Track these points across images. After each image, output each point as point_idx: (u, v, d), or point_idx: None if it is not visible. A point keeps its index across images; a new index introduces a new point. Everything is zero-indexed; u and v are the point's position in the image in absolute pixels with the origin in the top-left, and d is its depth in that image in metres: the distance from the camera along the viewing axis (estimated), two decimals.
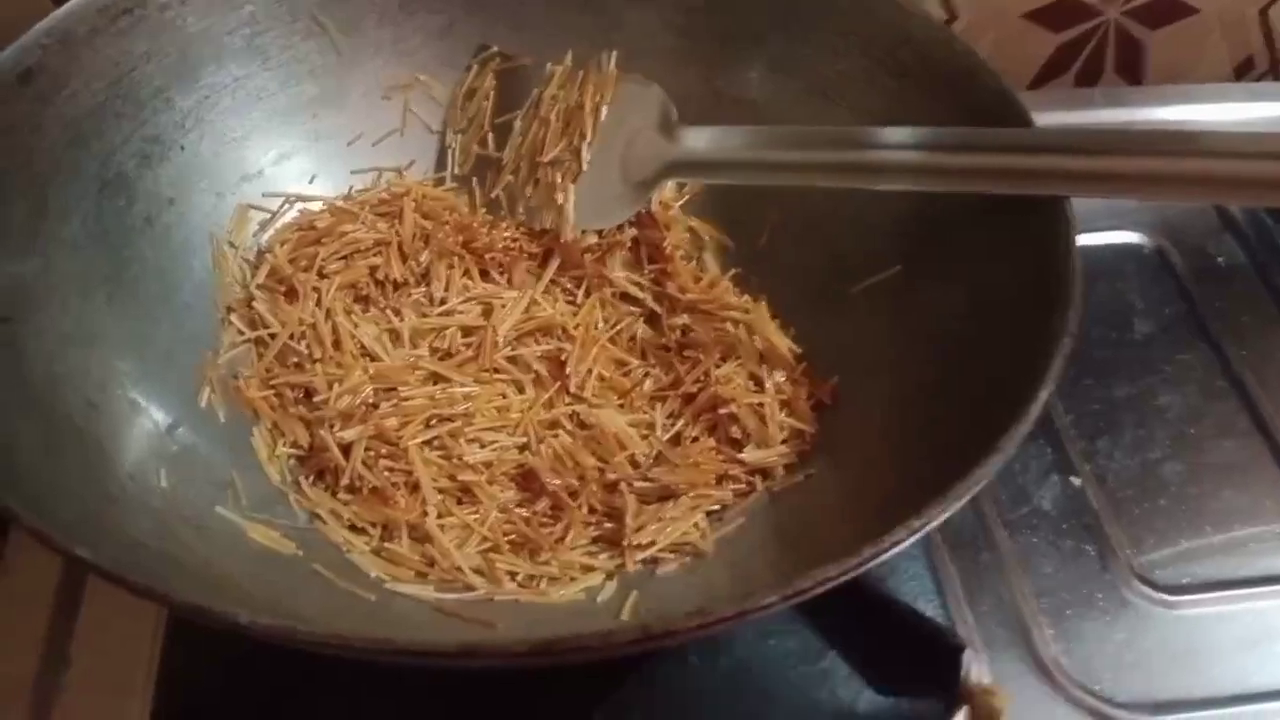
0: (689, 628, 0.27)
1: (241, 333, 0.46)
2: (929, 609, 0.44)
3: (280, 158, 0.49)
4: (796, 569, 0.35)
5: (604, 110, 0.49)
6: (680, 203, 0.52)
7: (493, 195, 0.51)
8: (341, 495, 0.42)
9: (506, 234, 0.50)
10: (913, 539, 0.30)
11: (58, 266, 0.40)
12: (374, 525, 0.41)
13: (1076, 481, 0.50)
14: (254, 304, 0.46)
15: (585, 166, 0.49)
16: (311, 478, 0.43)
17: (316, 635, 0.27)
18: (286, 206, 0.49)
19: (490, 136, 0.52)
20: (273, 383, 0.45)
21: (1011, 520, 0.49)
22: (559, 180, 0.49)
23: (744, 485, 0.43)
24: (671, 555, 0.41)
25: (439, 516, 0.41)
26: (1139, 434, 0.52)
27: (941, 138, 0.42)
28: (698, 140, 0.47)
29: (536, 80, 0.52)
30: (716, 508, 0.43)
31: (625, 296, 0.50)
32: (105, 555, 0.29)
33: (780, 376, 0.45)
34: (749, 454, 0.43)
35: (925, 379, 0.41)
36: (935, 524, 0.31)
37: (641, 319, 0.49)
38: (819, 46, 0.50)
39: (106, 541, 0.32)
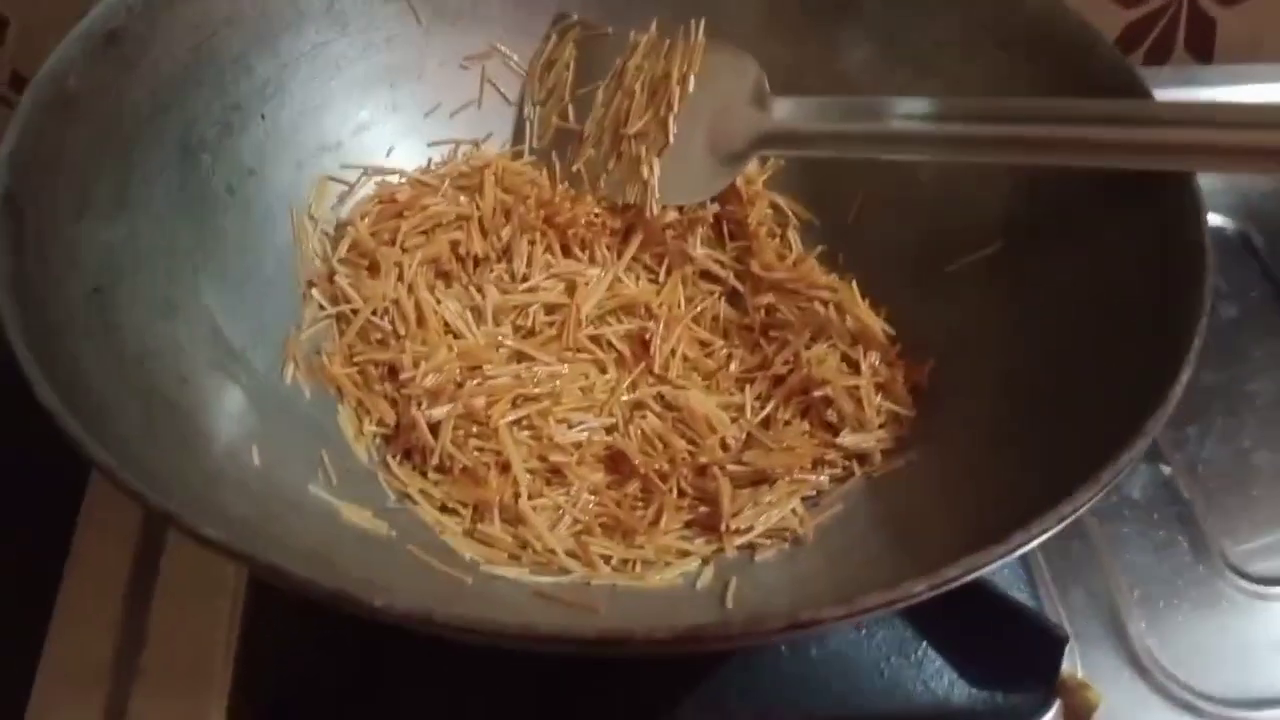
0: (836, 616, 0.26)
1: (323, 308, 0.45)
2: (1021, 600, 0.43)
3: (359, 128, 0.48)
4: (902, 561, 0.35)
5: (691, 81, 0.48)
6: (764, 178, 0.51)
7: (574, 169, 0.50)
8: (431, 475, 0.41)
9: (588, 209, 0.48)
10: (1050, 533, 0.29)
11: (144, 235, 0.39)
12: (464, 506, 0.41)
13: (1167, 470, 0.49)
14: (335, 278, 0.45)
15: (671, 139, 0.48)
16: (399, 457, 0.42)
17: (456, 619, 0.26)
18: (365, 179, 0.48)
19: (570, 108, 0.51)
20: (356, 359, 0.44)
21: (1101, 509, 0.48)
22: (644, 153, 0.48)
23: (840, 471, 0.42)
24: (769, 541, 0.40)
25: (530, 498, 0.40)
26: (1229, 421, 0.51)
27: (1055, 109, 0.40)
28: (791, 112, 0.46)
29: (619, 50, 0.50)
30: (813, 493, 0.42)
31: (707, 275, 0.49)
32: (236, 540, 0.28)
33: (875, 358, 0.44)
34: (846, 438, 0.42)
35: (1036, 361, 0.40)
36: (1073, 517, 0.29)
37: (723, 298, 0.48)
38: (917, 11, 0.48)
39: (216, 523, 0.31)
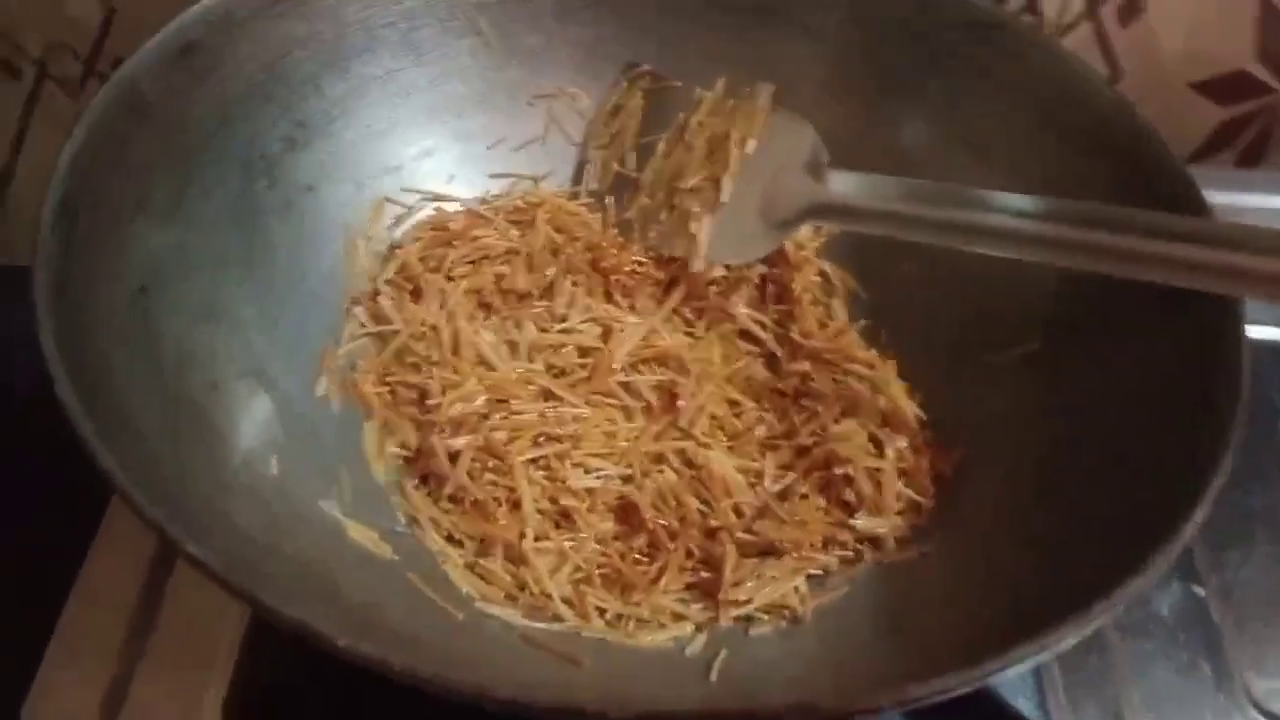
0: (790, 714, 0.26)
1: (363, 326, 0.46)
2: (1027, 708, 0.42)
3: (421, 154, 0.49)
4: (898, 656, 0.34)
5: (751, 143, 0.48)
6: (815, 244, 0.51)
7: (625, 215, 0.50)
8: (443, 504, 0.41)
9: (635, 257, 0.49)
10: (1035, 660, 0.28)
11: (195, 242, 0.41)
12: (470, 539, 0.41)
13: (1200, 591, 0.47)
14: (379, 299, 0.46)
15: (725, 199, 0.48)
16: (415, 482, 0.42)
17: (410, 671, 0.26)
18: (422, 204, 0.49)
19: (631, 156, 0.51)
20: (388, 380, 0.44)
21: (1125, 623, 0.46)
22: (695, 209, 0.48)
23: (851, 553, 0.42)
24: (766, 616, 0.40)
25: (536, 539, 0.41)
26: (1273, 549, 0.49)
27: (1111, 216, 0.39)
28: (846, 185, 0.45)
29: (685, 104, 0.51)
30: (819, 572, 0.41)
31: (745, 335, 0.49)
32: (215, 549, 0.29)
33: (902, 442, 0.43)
34: (861, 521, 0.42)
35: (1063, 464, 0.39)
36: (1063, 647, 0.29)
37: (760, 360, 0.48)
38: (981, 97, 0.48)
39: (218, 532, 0.32)
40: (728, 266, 0.49)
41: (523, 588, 0.40)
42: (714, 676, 0.37)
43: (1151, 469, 0.35)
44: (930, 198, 0.43)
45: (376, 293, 0.46)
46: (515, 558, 0.40)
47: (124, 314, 0.36)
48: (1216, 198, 0.61)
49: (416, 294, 0.46)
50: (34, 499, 0.46)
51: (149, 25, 0.56)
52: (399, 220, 0.49)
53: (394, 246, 0.48)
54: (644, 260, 0.49)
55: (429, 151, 0.50)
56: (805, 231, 0.50)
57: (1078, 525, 0.36)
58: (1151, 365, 0.39)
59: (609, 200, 0.51)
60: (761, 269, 0.50)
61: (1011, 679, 0.42)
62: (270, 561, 0.33)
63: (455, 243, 0.48)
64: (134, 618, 0.43)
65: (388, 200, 0.48)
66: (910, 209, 0.44)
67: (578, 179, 0.52)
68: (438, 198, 0.50)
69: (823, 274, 0.50)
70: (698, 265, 0.48)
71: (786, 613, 0.40)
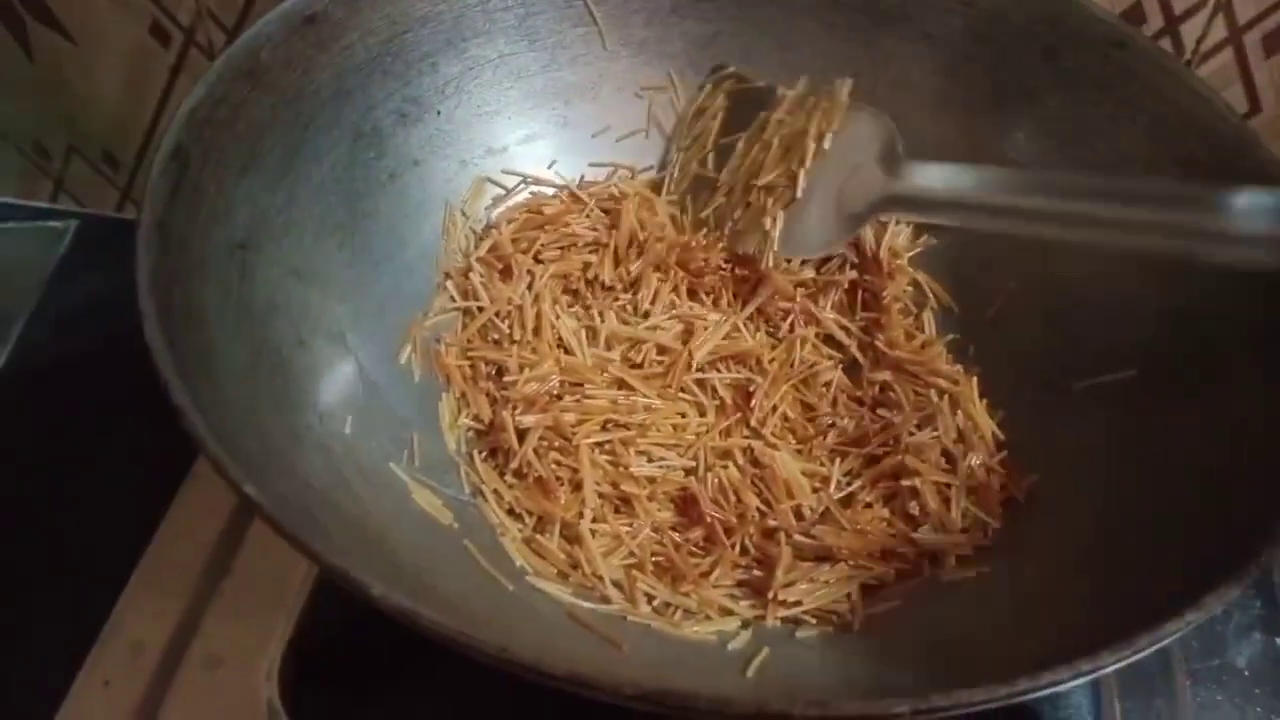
0: (806, 715, 0.26)
1: (453, 300, 0.47)
2: None
3: (527, 138, 0.50)
4: (941, 676, 0.34)
5: (828, 139, 0.47)
6: (911, 253, 0.50)
7: (702, 215, 0.50)
8: (508, 478, 0.42)
9: (721, 256, 0.49)
10: (1074, 682, 0.27)
11: (301, 204, 0.42)
12: (530, 514, 0.42)
13: None
14: (470, 275, 0.47)
15: (800, 194, 0.47)
16: (484, 454, 0.43)
17: (435, 624, 0.27)
18: (522, 186, 0.50)
19: (711, 156, 0.51)
20: (470, 354, 0.46)
21: (1198, 670, 0.44)
22: (769, 205, 0.48)
23: (909, 566, 0.41)
24: (814, 620, 0.40)
25: (593, 520, 0.41)
26: None
27: (1212, 197, 0.37)
28: (922, 176, 0.45)
29: (768, 103, 0.50)
30: (875, 582, 0.40)
31: (830, 340, 0.48)
32: (271, 494, 0.30)
33: (976, 460, 0.42)
34: (923, 535, 0.41)
35: (1133, 502, 0.38)
36: (1105, 671, 0.28)
37: (840, 366, 0.48)
38: (1099, 117, 0.46)
39: (278, 477, 0.33)
40: (818, 269, 0.49)
41: (575, 567, 0.40)
42: (750, 673, 0.37)
43: (1219, 520, 0.34)
44: (1013, 185, 0.43)
45: (468, 269, 0.48)
46: (572, 537, 0.41)
47: (222, 264, 0.38)
48: None
49: (506, 273, 0.48)
50: (130, 442, 0.49)
51: None
52: (497, 201, 0.50)
53: (489, 226, 0.49)
54: (731, 259, 0.49)
55: (534, 136, 0.51)
56: (903, 239, 0.50)
57: (1143, 563, 0.35)
58: (1241, 412, 0.37)
59: (689, 200, 0.51)
60: (853, 275, 0.49)
61: (1070, 713, 0.41)
62: (329, 513, 0.34)
63: (547, 227, 0.49)
64: (212, 558, 0.46)
65: (489, 181, 0.50)
66: (991, 197, 0.43)
67: (661, 180, 0.53)
68: (538, 181, 0.51)
69: (915, 283, 0.49)
70: (770, 260, 0.47)
71: (835, 619, 0.39)
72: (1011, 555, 0.40)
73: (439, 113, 0.48)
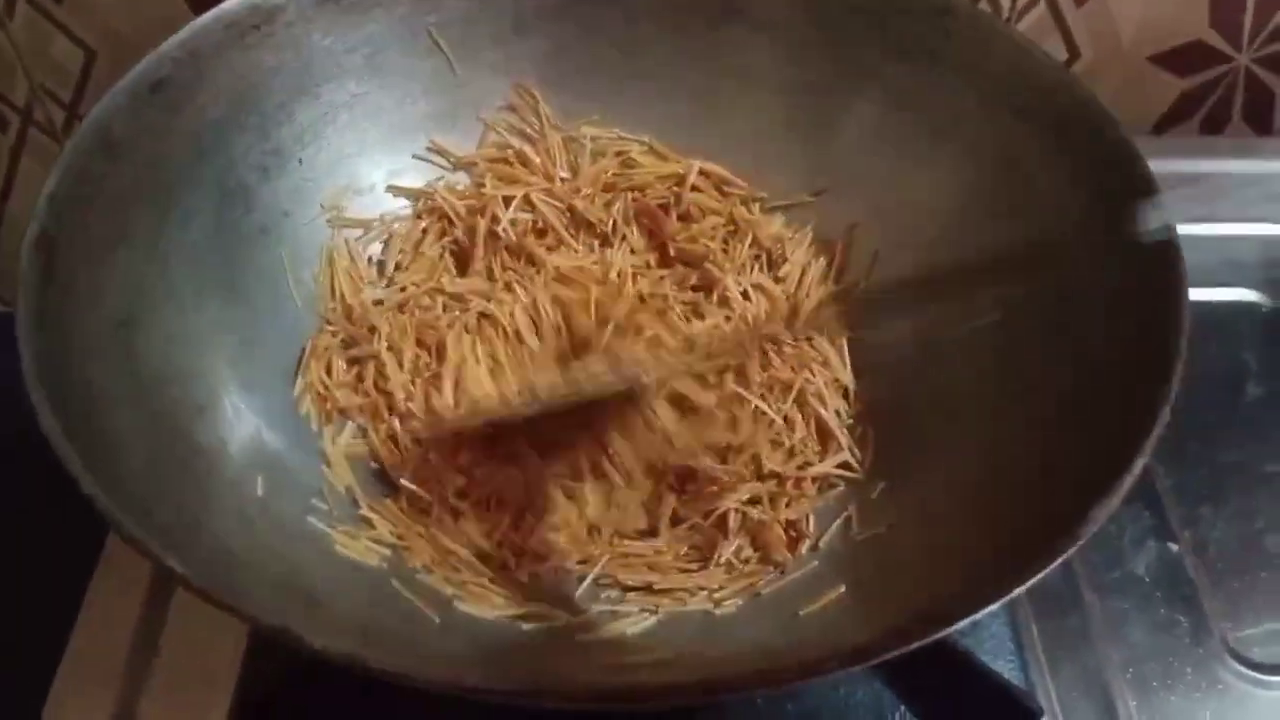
0: (753, 684, 0.27)
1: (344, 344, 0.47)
2: (1008, 670, 0.43)
3: (392, 173, 0.51)
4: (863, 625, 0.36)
5: None
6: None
7: None
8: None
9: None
10: (972, 617, 0.29)
11: (176, 271, 0.42)
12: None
13: (1174, 548, 0.48)
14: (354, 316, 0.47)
15: None
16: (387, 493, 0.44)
17: (383, 665, 0.28)
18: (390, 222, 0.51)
19: None
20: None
21: (1102, 583, 0.47)
22: None
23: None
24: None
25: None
26: (1244, 503, 0.50)
27: None
28: None
29: None
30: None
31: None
32: (195, 564, 0.30)
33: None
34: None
35: (1019, 435, 0.40)
36: (1000, 603, 0.30)
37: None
38: (936, 79, 0.49)
39: (199, 549, 0.33)
40: None
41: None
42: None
43: (1101, 430, 0.36)
44: None
45: (350, 310, 0.48)
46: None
47: (107, 343, 0.38)
48: (1182, 165, 0.64)
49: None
50: (38, 532, 0.48)
51: (129, 68, 0.57)
52: (370, 240, 0.50)
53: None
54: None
55: (399, 171, 0.51)
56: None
57: (1034, 492, 0.37)
58: (1100, 329, 0.40)
59: None
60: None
61: (991, 642, 0.44)
62: (254, 575, 0.35)
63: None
64: (137, 639, 0.45)
65: (358, 222, 0.50)
66: None
67: None
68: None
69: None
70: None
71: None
72: (914, 506, 0.42)
73: (301, 161, 0.48)
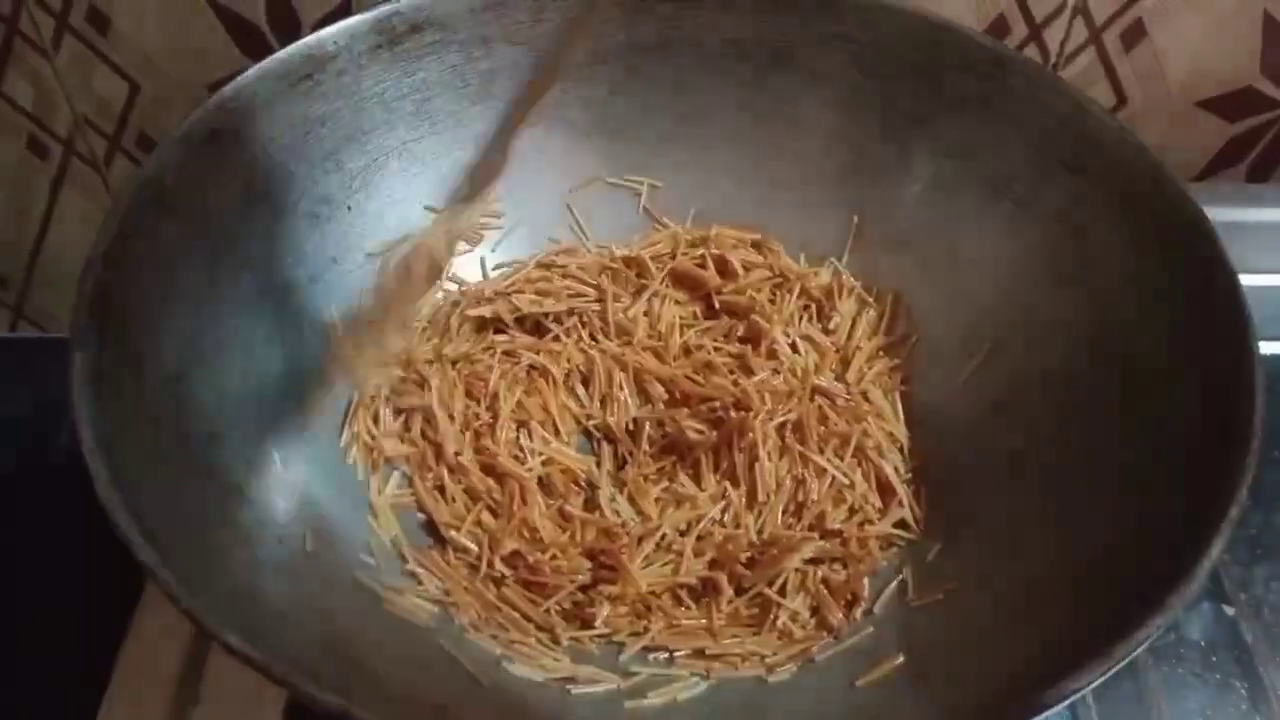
0: None
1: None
2: None
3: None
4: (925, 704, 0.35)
5: None
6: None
7: None
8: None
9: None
10: (1061, 706, 0.29)
11: (228, 323, 0.42)
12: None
13: (1230, 611, 0.47)
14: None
15: None
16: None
17: None
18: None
19: None
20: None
21: (1159, 647, 0.46)
22: None
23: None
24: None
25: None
26: None
27: None
28: None
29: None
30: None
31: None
32: (248, 632, 0.30)
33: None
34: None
35: (1082, 508, 0.40)
36: (1087, 689, 0.29)
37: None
38: (987, 134, 0.49)
39: (250, 614, 0.33)
40: None
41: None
42: None
43: (1166, 508, 0.35)
44: None
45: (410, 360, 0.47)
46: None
47: (160, 401, 0.37)
48: (1228, 214, 0.63)
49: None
50: (71, 573, 0.47)
51: (171, 101, 0.57)
52: None
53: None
54: None
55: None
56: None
57: (1102, 569, 0.37)
58: (1170, 404, 0.39)
59: None
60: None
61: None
62: (303, 637, 0.34)
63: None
64: (178, 690, 0.44)
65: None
66: None
67: None
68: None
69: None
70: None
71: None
72: (971, 572, 0.42)
73: (349, 208, 0.48)
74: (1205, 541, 0.32)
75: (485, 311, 0.49)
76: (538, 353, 0.48)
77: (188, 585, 0.30)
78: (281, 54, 0.45)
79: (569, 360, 0.48)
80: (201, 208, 0.42)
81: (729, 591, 0.41)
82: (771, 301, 0.51)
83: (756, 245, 0.53)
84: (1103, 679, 0.29)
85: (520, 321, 0.50)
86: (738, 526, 0.43)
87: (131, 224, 0.39)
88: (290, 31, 0.56)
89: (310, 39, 0.45)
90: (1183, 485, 0.35)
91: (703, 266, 0.52)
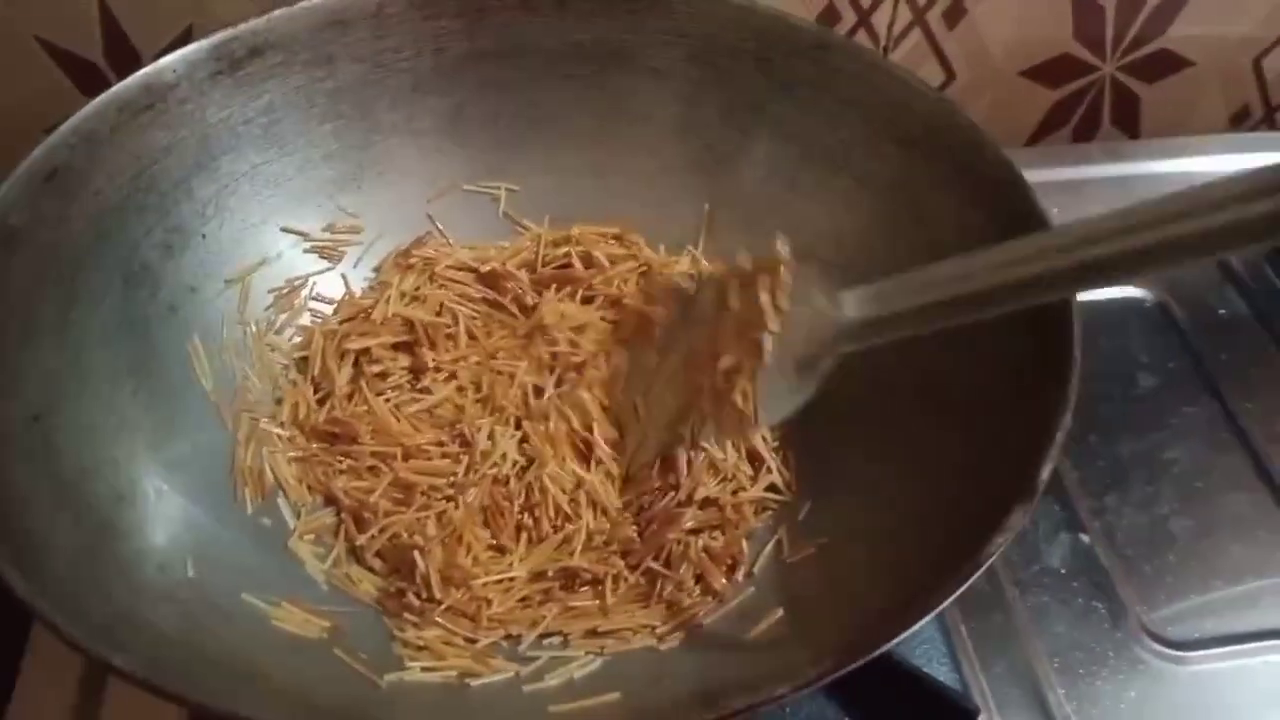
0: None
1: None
2: (942, 672, 0.45)
3: (298, 241, 0.51)
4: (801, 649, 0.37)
5: (784, 297, 0.41)
6: None
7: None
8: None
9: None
10: (910, 630, 0.31)
11: (86, 358, 0.42)
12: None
13: (1085, 539, 0.51)
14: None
15: (768, 359, 0.41)
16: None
17: None
18: (303, 284, 0.51)
19: None
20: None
21: (1022, 579, 0.49)
22: (737, 385, 0.42)
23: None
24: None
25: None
26: (1147, 489, 0.53)
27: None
28: (858, 304, 0.39)
29: None
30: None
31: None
32: (136, 656, 0.30)
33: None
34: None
35: (930, 447, 0.42)
36: (945, 604, 0.31)
37: None
38: (820, 115, 0.51)
39: (137, 640, 0.33)
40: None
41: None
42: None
43: (1009, 438, 0.38)
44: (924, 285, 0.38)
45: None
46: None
47: (23, 439, 0.37)
48: (1058, 174, 0.67)
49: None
50: None
51: (14, 151, 0.56)
52: (283, 308, 0.50)
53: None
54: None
55: (305, 238, 0.51)
56: None
57: (952, 504, 0.39)
58: (1001, 343, 0.42)
59: None
60: None
61: (924, 648, 0.45)
62: (194, 656, 0.34)
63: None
64: None
65: (271, 291, 0.50)
66: (919, 300, 0.38)
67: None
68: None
69: None
70: (755, 436, 0.47)
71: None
72: (840, 524, 0.44)
73: (204, 236, 0.48)
74: (1035, 467, 0.34)
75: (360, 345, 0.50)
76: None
77: (68, 615, 0.30)
78: (119, 86, 0.45)
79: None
80: (51, 245, 0.42)
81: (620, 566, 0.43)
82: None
83: (618, 239, 0.54)
84: (958, 594, 0.32)
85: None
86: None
87: None
88: (130, 66, 0.55)
89: (149, 69, 0.45)
90: (1017, 420, 0.38)
91: (569, 265, 0.53)
